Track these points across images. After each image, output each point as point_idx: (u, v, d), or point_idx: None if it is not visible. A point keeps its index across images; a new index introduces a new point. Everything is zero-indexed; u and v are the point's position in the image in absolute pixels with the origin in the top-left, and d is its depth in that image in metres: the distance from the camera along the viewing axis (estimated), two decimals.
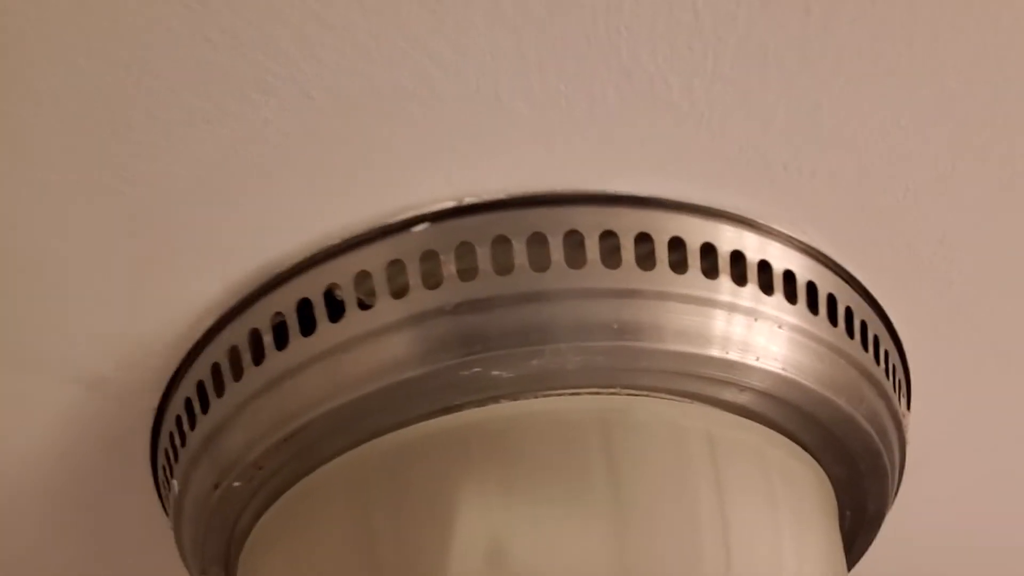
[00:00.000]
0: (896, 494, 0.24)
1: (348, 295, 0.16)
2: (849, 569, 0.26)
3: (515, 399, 0.17)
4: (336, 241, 0.17)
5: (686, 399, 0.18)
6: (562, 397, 0.17)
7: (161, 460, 0.22)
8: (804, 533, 0.18)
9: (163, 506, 0.25)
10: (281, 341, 0.17)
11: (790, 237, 0.19)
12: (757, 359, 0.18)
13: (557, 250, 0.16)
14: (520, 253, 0.16)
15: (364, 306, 0.16)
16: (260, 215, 0.17)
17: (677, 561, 0.16)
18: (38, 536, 0.29)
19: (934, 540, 0.31)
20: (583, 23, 0.14)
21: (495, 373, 0.16)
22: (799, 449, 0.20)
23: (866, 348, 0.21)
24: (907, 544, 0.30)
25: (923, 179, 0.18)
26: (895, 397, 0.22)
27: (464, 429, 0.17)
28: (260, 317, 0.17)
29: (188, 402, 0.19)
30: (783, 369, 0.18)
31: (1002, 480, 0.30)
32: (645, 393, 0.18)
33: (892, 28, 0.15)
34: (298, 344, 0.17)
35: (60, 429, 0.23)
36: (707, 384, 0.18)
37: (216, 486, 0.18)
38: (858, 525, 0.23)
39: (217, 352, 0.18)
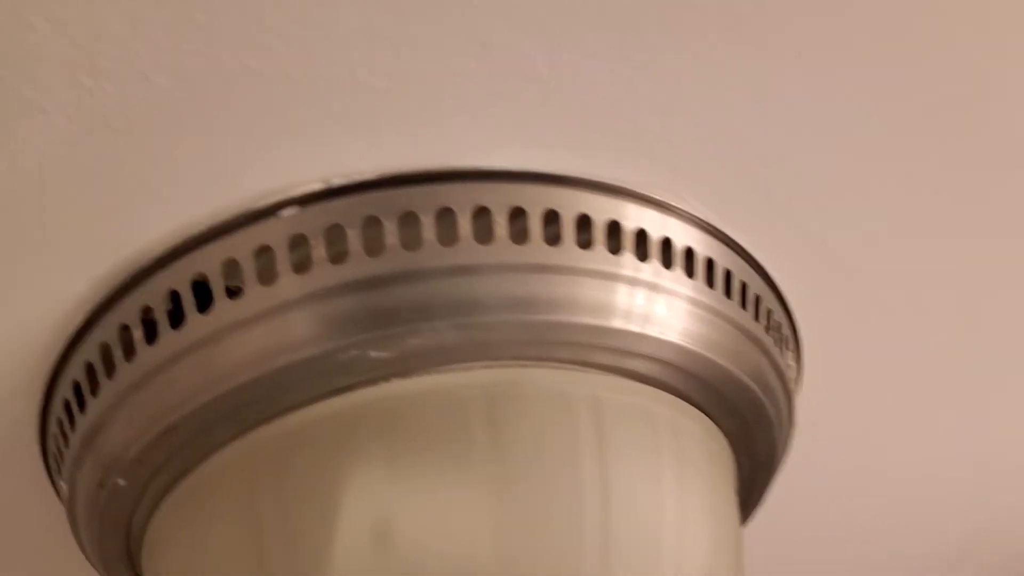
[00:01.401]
0: (789, 442, 0.26)
1: (216, 284, 0.16)
2: (755, 507, 0.28)
3: (402, 377, 0.17)
4: (202, 229, 0.16)
5: (575, 367, 0.18)
6: (449, 373, 0.17)
7: (52, 464, 0.21)
8: (689, 484, 0.19)
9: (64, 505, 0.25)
10: (151, 335, 0.16)
11: (666, 204, 0.19)
12: (649, 328, 0.19)
13: (429, 228, 0.16)
14: (392, 233, 0.16)
15: (233, 294, 0.16)
16: (117, 208, 0.16)
17: (557, 522, 0.17)
18: None
19: (834, 481, 0.33)
20: None
21: (374, 355, 0.16)
22: (687, 406, 0.20)
23: (757, 319, 0.22)
24: (809, 488, 0.32)
25: (795, 144, 0.19)
26: (781, 357, 0.23)
27: (349, 411, 0.17)
28: (128, 312, 0.17)
29: (66, 403, 0.18)
30: (676, 338, 0.19)
31: (894, 420, 0.32)
32: (533, 364, 0.18)
33: None
34: (168, 337, 0.16)
35: None
36: (595, 352, 0.19)
37: (101, 485, 0.18)
38: (754, 472, 0.24)
39: (89, 351, 0.17)
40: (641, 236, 0.19)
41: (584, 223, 0.18)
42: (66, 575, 0.27)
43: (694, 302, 0.20)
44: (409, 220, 0.16)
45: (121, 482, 0.17)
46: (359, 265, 0.16)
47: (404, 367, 0.17)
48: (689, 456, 0.20)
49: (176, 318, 0.16)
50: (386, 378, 0.17)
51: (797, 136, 0.19)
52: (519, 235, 0.17)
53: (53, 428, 0.19)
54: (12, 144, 0.15)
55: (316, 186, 0.16)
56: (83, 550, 0.22)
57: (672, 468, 0.19)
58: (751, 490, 0.25)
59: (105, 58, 0.13)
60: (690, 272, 0.20)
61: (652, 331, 0.19)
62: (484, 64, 0.15)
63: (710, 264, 0.20)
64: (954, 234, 0.23)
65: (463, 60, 0.15)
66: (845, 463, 0.36)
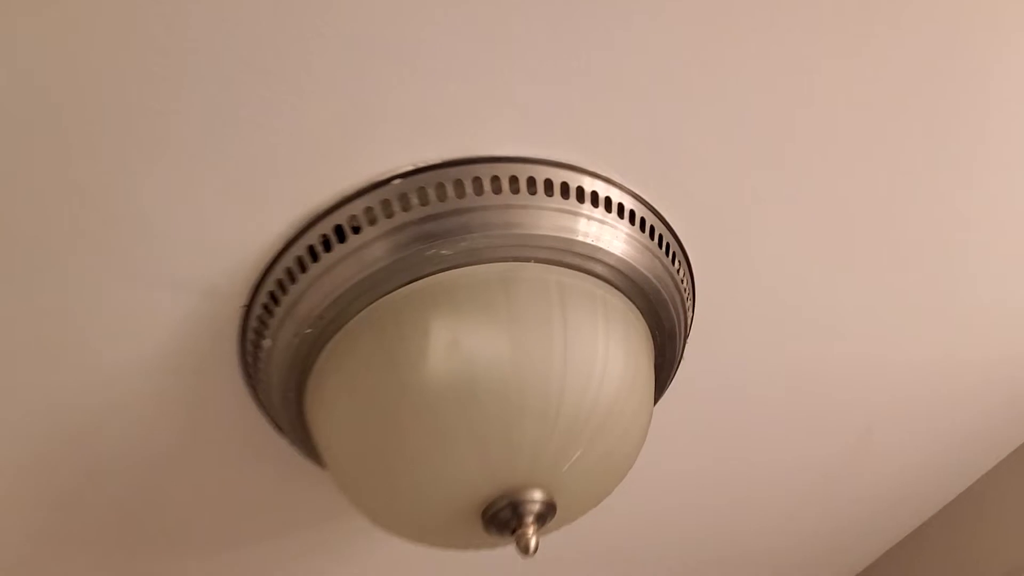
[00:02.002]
0: (687, 326, 0.41)
1: (361, 220, 0.31)
2: (673, 370, 0.43)
3: (457, 268, 0.32)
4: (353, 191, 0.31)
5: (551, 264, 0.34)
6: (481, 265, 0.32)
7: (249, 337, 0.36)
8: (613, 334, 0.34)
9: (248, 384, 0.39)
10: (327, 248, 0.32)
11: (608, 178, 0.34)
12: (596, 243, 0.34)
13: (468, 187, 0.31)
14: (450, 189, 0.31)
15: (372, 223, 0.31)
16: (311, 171, 0.31)
17: (539, 347, 0.32)
18: (145, 427, 0.42)
19: (735, 360, 0.48)
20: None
21: (443, 252, 0.31)
22: (616, 291, 0.36)
23: (660, 245, 0.37)
24: (714, 369, 0.48)
25: (685, 141, 0.34)
26: (673, 267, 0.38)
27: (433, 285, 0.32)
28: (311, 238, 0.32)
29: (271, 293, 0.33)
30: (612, 251, 0.34)
31: (768, 322, 0.47)
32: (528, 262, 0.33)
33: None
34: (337, 249, 0.31)
35: (167, 332, 0.36)
36: (564, 255, 0.34)
37: (296, 335, 0.33)
38: (663, 340, 0.39)
39: (287, 262, 0.32)
40: (594, 195, 0.34)
41: (564, 187, 0.33)
42: (244, 459, 0.42)
43: (622, 233, 0.35)
44: (457, 184, 0.31)
45: (308, 330, 0.33)
46: (434, 207, 0.31)
47: (458, 261, 0.32)
48: (614, 318, 0.35)
49: (340, 238, 0.31)
50: (449, 268, 0.32)
51: (688, 136, 0.34)
52: (518, 192, 0.32)
53: (257, 311, 0.34)
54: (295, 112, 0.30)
55: (409, 167, 0.31)
56: (266, 394, 0.37)
57: (603, 323, 0.34)
58: (664, 353, 0.40)
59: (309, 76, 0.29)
60: (620, 216, 0.35)
61: (598, 245, 0.34)
62: (493, 98, 0.30)
63: (632, 213, 0.35)
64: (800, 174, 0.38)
65: (483, 99, 0.30)
66: (737, 356, 0.50)
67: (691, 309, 0.42)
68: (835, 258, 0.43)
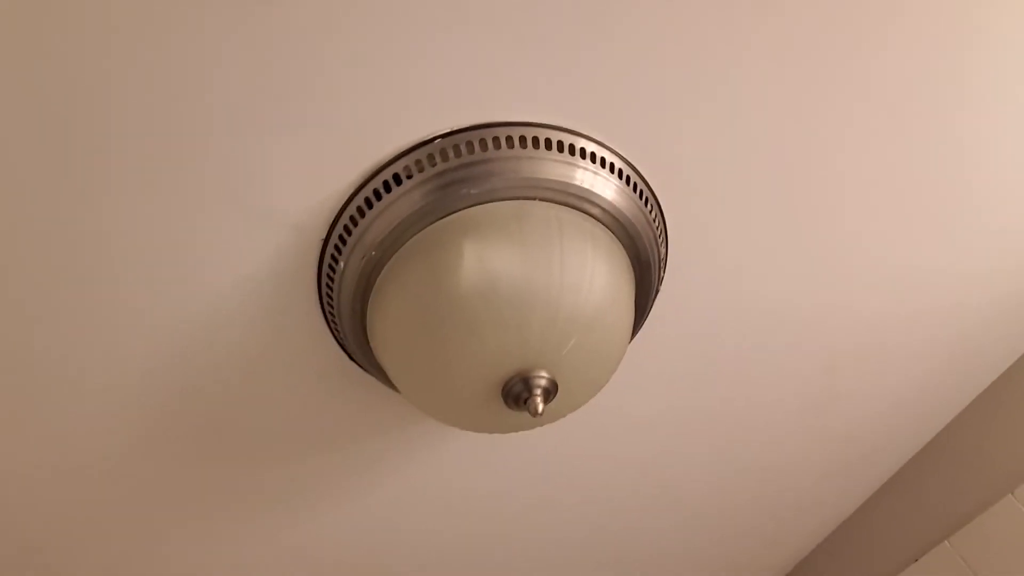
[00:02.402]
0: (661, 259, 0.52)
1: (412, 169, 0.43)
2: (652, 297, 0.54)
3: (481, 204, 0.43)
4: (406, 148, 0.43)
5: (553, 203, 0.45)
6: (500, 202, 0.43)
7: (326, 262, 0.48)
8: (598, 259, 0.45)
9: (322, 308, 0.51)
10: (387, 192, 0.43)
11: (599, 140, 0.45)
12: (600, 192, 0.45)
13: (492, 144, 0.43)
14: (478, 146, 0.43)
15: (420, 171, 0.43)
16: (380, 136, 0.42)
17: (543, 265, 0.43)
18: (234, 348, 0.54)
19: (708, 297, 0.59)
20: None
21: (472, 192, 0.42)
22: (602, 227, 0.47)
23: (634, 192, 0.48)
24: (688, 301, 0.59)
25: (661, 109, 0.45)
26: (647, 210, 0.49)
27: (464, 217, 0.43)
28: (377, 182, 0.43)
29: (345, 227, 0.45)
30: (601, 194, 0.46)
31: (738, 258, 0.58)
32: (535, 200, 0.44)
33: None
34: (394, 191, 0.43)
35: (259, 260, 0.48)
36: (564, 196, 0.45)
37: (363, 257, 0.45)
38: (642, 269, 0.50)
39: (359, 198, 0.44)
40: (584, 151, 0.45)
41: (561, 144, 0.44)
42: (317, 379, 0.54)
43: (610, 184, 0.46)
44: (482, 142, 0.43)
45: (373, 253, 0.44)
46: (464, 159, 0.42)
47: (482, 199, 0.43)
48: (600, 246, 0.46)
49: (397, 183, 0.43)
50: (475, 204, 0.43)
51: (665, 111, 0.45)
52: (526, 147, 0.43)
53: (335, 240, 0.46)
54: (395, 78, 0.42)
55: (446, 130, 0.43)
56: (337, 308, 0.49)
57: (591, 248, 0.45)
58: (643, 281, 0.51)
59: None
60: (610, 170, 0.46)
61: (592, 190, 0.45)
62: (510, 83, 0.42)
63: (617, 168, 0.47)
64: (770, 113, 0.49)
65: (503, 81, 0.42)
66: (714, 288, 0.61)
67: (664, 246, 0.53)
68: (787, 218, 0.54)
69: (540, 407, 0.43)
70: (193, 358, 0.54)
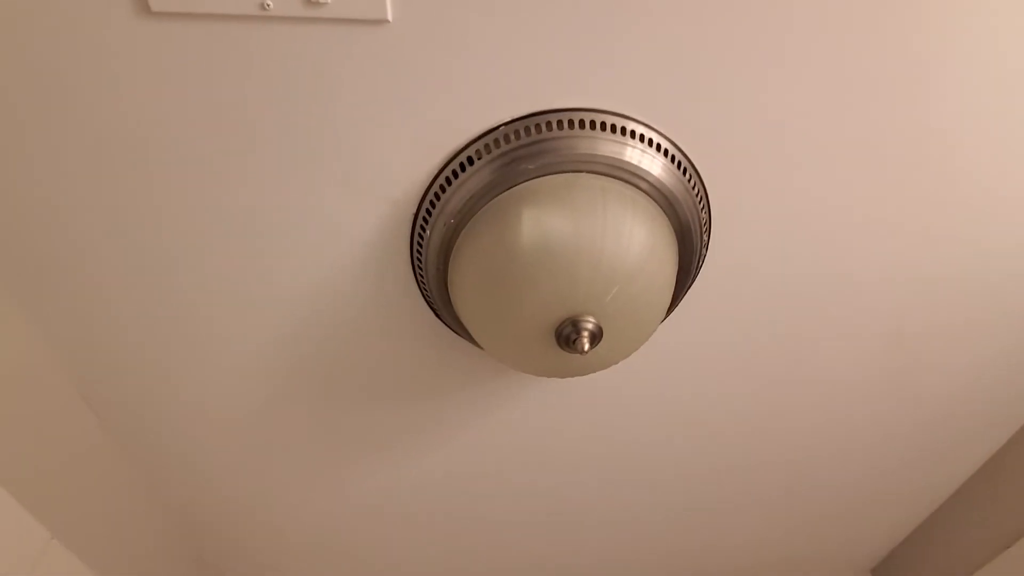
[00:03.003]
0: (701, 226, 0.58)
1: (482, 152, 0.53)
2: (697, 262, 0.61)
3: (539, 177, 0.53)
4: (477, 134, 0.53)
5: (602, 176, 0.53)
6: (557, 175, 0.53)
7: (417, 232, 0.59)
8: (639, 218, 0.53)
9: (414, 272, 0.63)
10: (462, 172, 0.54)
11: (648, 124, 0.53)
12: (641, 165, 0.53)
13: (546, 128, 0.52)
14: (534, 130, 0.52)
15: (488, 153, 0.53)
16: (458, 124, 0.53)
17: (589, 224, 0.51)
18: (341, 306, 0.67)
19: (754, 266, 0.65)
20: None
21: (530, 167, 0.52)
22: (646, 196, 0.54)
23: (678, 169, 0.55)
24: (733, 275, 0.64)
25: (705, 102, 0.53)
26: (689, 184, 0.56)
27: (523, 188, 0.53)
28: (455, 164, 0.54)
29: (431, 201, 0.56)
30: (648, 169, 0.54)
31: (776, 230, 0.63)
32: (587, 173, 0.53)
33: None
34: (468, 170, 0.53)
35: (363, 231, 0.60)
36: (614, 170, 0.53)
37: (445, 224, 0.55)
38: (682, 234, 0.57)
39: (441, 177, 0.55)
40: (633, 133, 0.53)
41: (615, 127, 0.53)
42: (410, 335, 0.66)
43: (656, 160, 0.54)
44: (537, 126, 0.52)
45: (452, 221, 0.55)
46: (523, 140, 0.52)
47: (539, 173, 0.52)
48: (640, 209, 0.53)
49: (471, 163, 0.53)
50: (533, 178, 0.53)
51: (707, 98, 0.52)
52: (576, 129, 0.52)
53: (423, 213, 0.57)
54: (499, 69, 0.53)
55: (509, 118, 0.53)
56: (425, 283, 0.60)
57: (631, 211, 0.53)
58: (685, 243, 0.58)
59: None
60: (656, 149, 0.54)
61: (640, 164, 0.53)
62: (563, 74, 0.51)
63: (665, 148, 0.54)
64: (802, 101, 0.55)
65: (559, 73, 0.51)
66: (754, 262, 0.66)
67: (705, 210, 0.59)
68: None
69: (586, 346, 0.52)
70: (313, 322, 0.68)
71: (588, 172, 0.53)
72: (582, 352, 0.52)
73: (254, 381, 0.73)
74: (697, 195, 0.57)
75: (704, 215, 0.59)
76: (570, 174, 0.53)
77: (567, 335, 0.53)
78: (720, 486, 0.95)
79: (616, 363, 0.60)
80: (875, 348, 0.76)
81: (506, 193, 0.54)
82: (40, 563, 0.66)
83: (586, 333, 0.52)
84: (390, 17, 0.46)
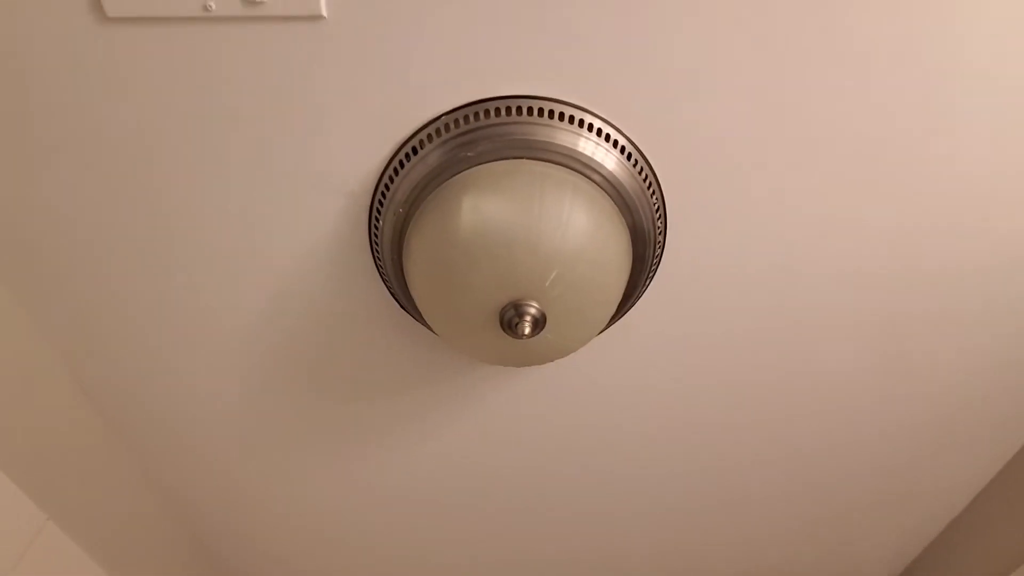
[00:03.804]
0: (654, 221, 0.58)
1: (425, 140, 0.54)
2: (654, 262, 0.60)
3: (480, 164, 0.53)
4: (422, 123, 0.55)
5: (549, 163, 0.54)
6: (501, 161, 0.53)
7: (372, 223, 0.61)
8: (577, 202, 0.53)
9: (374, 261, 0.64)
10: (407, 161, 0.55)
11: (602, 117, 0.54)
12: (595, 157, 0.54)
13: (484, 115, 0.53)
14: (473, 117, 0.53)
15: (431, 141, 0.54)
16: (405, 116, 0.55)
17: (525, 208, 0.52)
18: (308, 301, 0.69)
19: (708, 261, 0.63)
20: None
21: (470, 154, 0.53)
22: (587, 180, 0.54)
23: (629, 161, 0.55)
24: (686, 274, 0.63)
25: (655, 91, 0.53)
26: (640, 177, 0.56)
27: (466, 176, 0.54)
28: (403, 152, 0.56)
29: (382, 192, 0.58)
30: (603, 162, 0.54)
31: (724, 222, 0.61)
32: (534, 160, 0.54)
33: None
34: (414, 159, 0.55)
35: (325, 225, 0.62)
36: (568, 160, 0.54)
37: (395, 213, 0.57)
38: (636, 233, 0.57)
39: (391, 167, 0.57)
40: (590, 126, 0.54)
41: (572, 118, 0.53)
42: (374, 325, 0.67)
43: (609, 154, 0.54)
44: (496, 110, 0.53)
45: (401, 210, 0.56)
46: (470, 126, 0.53)
47: (480, 160, 0.53)
48: (580, 194, 0.53)
49: (416, 152, 0.55)
50: (475, 165, 0.54)
51: (658, 86, 0.53)
52: (512, 115, 0.53)
53: (376, 204, 0.59)
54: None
55: (451, 107, 0.54)
56: (379, 254, 0.62)
57: (569, 195, 0.52)
58: (636, 233, 0.58)
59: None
60: (607, 141, 0.54)
61: (593, 156, 0.54)
62: (509, 61, 0.52)
63: (617, 142, 0.54)
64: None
65: (504, 60, 0.52)
66: (711, 255, 0.65)
67: (656, 200, 0.59)
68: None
69: (527, 330, 0.52)
70: (288, 315, 0.70)
71: (531, 159, 0.54)
72: (523, 336, 0.52)
73: (239, 370, 0.76)
74: (650, 189, 0.57)
75: (657, 205, 0.59)
76: (511, 160, 0.54)
77: (509, 319, 0.53)
78: (712, 485, 0.92)
79: (572, 350, 0.59)
80: (865, 339, 0.73)
81: (449, 181, 0.55)
82: (35, 544, 0.70)
83: (528, 317, 0.52)
84: (325, 13, 0.49)
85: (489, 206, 0.52)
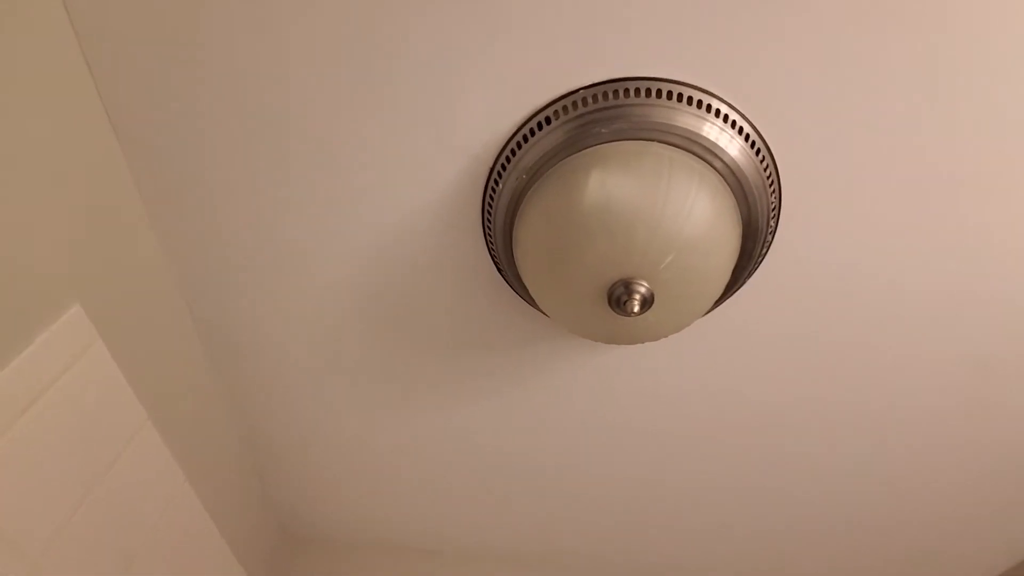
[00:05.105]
0: (769, 210, 0.58)
1: (560, 113, 0.56)
2: (763, 246, 0.61)
3: (613, 141, 0.55)
4: (557, 96, 0.56)
5: (672, 147, 0.55)
6: (631, 141, 0.54)
7: (490, 186, 0.63)
8: (702, 190, 0.53)
9: (483, 225, 0.66)
10: (539, 130, 0.57)
11: (726, 100, 0.54)
12: (718, 143, 0.54)
13: (623, 94, 0.54)
14: (611, 95, 0.54)
15: (565, 113, 0.55)
16: (539, 87, 0.56)
17: (650, 190, 0.53)
18: (415, 256, 0.71)
19: (813, 266, 0.63)
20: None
21: (603, 131, 0.54)
22: (712, 169, 0.55)
23: (752, 149, 0.56)
24: (796, 270, 0.63)
25: (784, 82, 0.53)
26: (761, 166, 0.56)
27: (594, 152, 0.55)
28: (533, 122, 0.57)
29: (507, 157, 0.60)
30: (724, 147, 0.55)
31: (855, 222, 0.61)
32: (660, 144, 0.55)
33: None
34: (545, 129, 0.56)
35: (447, 182, 0.64)
36: (691, 144, 0.54)
37: (518, 179, 0.59)
38: (749, 217, 0.57)
39: (519, 135, 0.58)
40: (711, 108, 0.54)
41: (699, 102, 0.54)
42: (475, 288, 0.70)
43: (734, 141, 0.55)
44: (615, 92, 0.54)
45: (524, 176, 0.58)
46: (600, 104, 0.54)
47: (611, 138, 0.54)
48: (705, 182, 0.54)
49: (548, 122, 0.56)
50: (604, 142, 0.55)
51: (796, 87, 0.53)
52: (652, 98, 0.54)
53: (497, 168, 0.61)
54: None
55: (589, 82, 0.55)
56: (490, 228, 0.64)
57: (697, 182, 0.53)
58: (748, 226, 0.58)
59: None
60: (731, 126, 0.55)
61: (716, 142, 0.54)
62: (644, 43, 0.53)
63: (741, 127, 0.55)
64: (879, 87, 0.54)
65: (639, 42, 0.53)
66: (822, 251, 0.65)
67: (776, 197, 0.59)
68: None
69: (636, 308, 0.53)
70: (387, 258, 0.73)
71: (660, 142, 0.55)
72: (631, 314, 0.54)
73: (334, 312, 0.80)
74: (770, 181, 0.57)
75: (774, 201, 0.59)
76: (642, 142, 0.55)
77: (619, 296, 0.54)
78: (765, 505, 0.93)
79: (666, 335, 0.61)
80: (952, 374, 0.72)
81: (577, 154, 0.56)
82: (134, 440, 0.76)
83: (637, 296, 0.54)
84: None
85: (617, 182, 0.53)
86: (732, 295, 0.67)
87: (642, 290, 0.54)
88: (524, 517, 1.07)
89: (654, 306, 0.55)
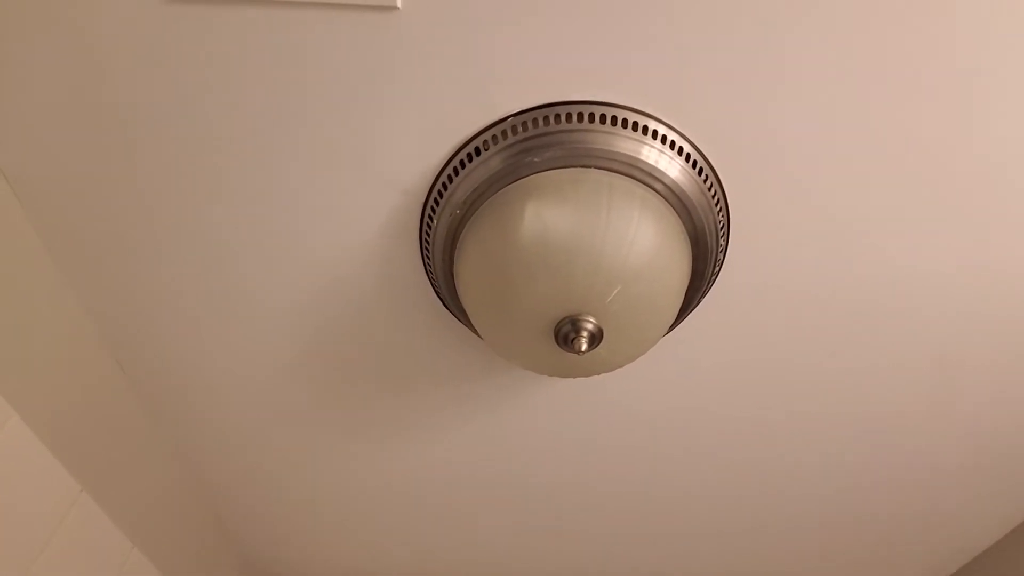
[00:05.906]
0: (717, 229, 0.55)
1: (489, 143, 0.52)
2: (713, 269, 0.58)
3: (545, 171, 0.51)
4: (485, 125, 0.53)
5: (612, 172, 0.52)
6: (563, 169, 0.51)
7: (425, 221, 0.59)
8: (645, 217, 0.51)
9: (423, 259, 0.63)
10: (469, 162, 0.53)
11: (665, 122, 0.51)
12: (657, 165, 0.51)
13: (555, 120, 0.51)
14: (542, 122, 0.51)
15: (495, 143, 0.52)
16: (467, 117, 0.53)
17: (591, 220, 0.50)
18: (356, 290, 0.67)
19: (768, 283, 0.61)
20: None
21: (536, 159, 0.51)
22: (656, 194, 0.52)
23: (693, 168, 0.53)
24: (752, 284, 0.61)
25: (722, 100, 0.50)
26: (705, 185, 0.54)
27: (530, 180, 0.52)
28: (464, 153, 0.54)
29: (439, 191, 0.56)
30: (665, 170, 0.52)
31: (794, 232, 0.59)
32: (597, 169, 0.52)
33: None
34: (475, 161, 0.53)
35: (379, 220, 0.60)
36: (630, 168, 0.51)
37: (451, 215, 0.55)
38: (697, 238, 0.55)
39: (450, 167, 0.55)
40: (647, 130, 0.51)
41: (635, 124, 0.51)
42: (417, 320, 0.66)
43: (673, 161, 0.52)
44: (546, 119, 0.51)
45: (457, 211, 0.55)
46: (532, 132, 0.51)
47: (545, 167, 0.51)
48: (648, 208, 0.51)
49: (478, 154, 0.53)
50: (539, 171, 0.52)
51: (731, 100, 0.50)
52: (584, 122, 0.51)
53: (431, 203, 0.57)
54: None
55: (518, 109, 0.52)
56: (430, 255, 0.60)
57: (639, 209, 0.51)
58: (699, 245, 0.55)
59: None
60: (671, 147, 0.52)
61: (656, 165, 0.51)
62: (577, 66, 0.50)
63: (681, 147, 0.52)
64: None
65: (572, 65, 0.50)
66: (771, 261, 0.63)
67: (723, 214, 0.56)
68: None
69: (584, 347, 0.50)
70: (327, 304, 0.69)
71: (598, 168, 0.52)
72: (579, 352, 0.50)
73: (276, 354, 0.75)
74: (715, 199, 0.55)
75: (722, 219, 0.56)
76: (579, 169, 0.52)
77: (565, 334, 0.51)
78: (728, 511, 0.91)
79: (621, 366, 0.58)
80: (914, 374, 0.71)
81: (511, 185, 0.53)
82: (70, 514, 0.71)
83: (585, 333, 0.51)
84: (399, 4, 0.46)
85: (554, 214, 0.50)
86: (689, 315, 0.65)
87: (589, 327, 0.51)
88: (485, 549, 1.03)
89: (604, 340, 0.52)
